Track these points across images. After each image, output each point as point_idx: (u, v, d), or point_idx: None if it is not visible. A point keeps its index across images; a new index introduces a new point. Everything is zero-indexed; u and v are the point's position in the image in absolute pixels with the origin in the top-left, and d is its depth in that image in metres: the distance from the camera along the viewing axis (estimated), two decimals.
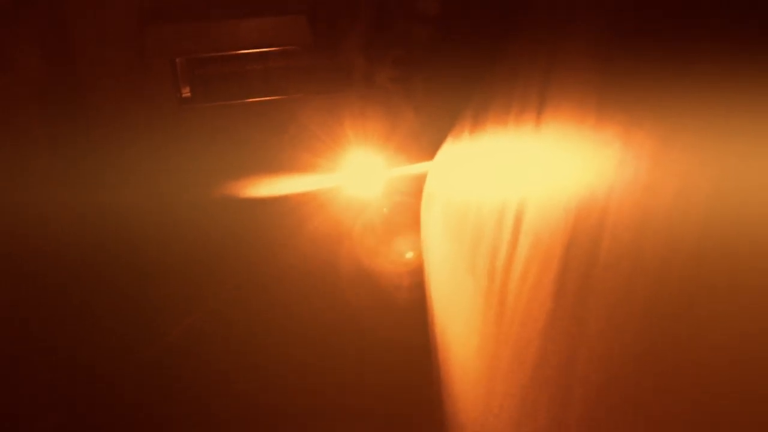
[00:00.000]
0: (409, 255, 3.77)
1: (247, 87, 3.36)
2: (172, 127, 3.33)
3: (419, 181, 3.37)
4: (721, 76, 0.82)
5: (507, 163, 1.93)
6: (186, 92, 3.27)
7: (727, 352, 0.73)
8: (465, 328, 2.25)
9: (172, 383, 3.82)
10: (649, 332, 0.93)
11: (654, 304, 0.92)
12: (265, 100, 3.37)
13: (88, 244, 3.52)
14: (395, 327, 3.74)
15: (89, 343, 3.41)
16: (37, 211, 3.04)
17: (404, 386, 3.69)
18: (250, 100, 3.36)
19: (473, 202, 2.27)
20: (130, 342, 3.68)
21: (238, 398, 3.90)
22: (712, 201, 0.80)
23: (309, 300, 3.92)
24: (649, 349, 0.92)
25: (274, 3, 3.10)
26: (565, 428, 1.22)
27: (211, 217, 3.60)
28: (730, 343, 0.73)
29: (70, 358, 3.30)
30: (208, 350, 3.88)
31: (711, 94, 0.84)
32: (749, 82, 0.76)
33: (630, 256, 1.02)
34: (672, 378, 0.84)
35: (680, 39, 0.96)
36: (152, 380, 3.76)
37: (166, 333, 3.84)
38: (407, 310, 3.65)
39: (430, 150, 3.19)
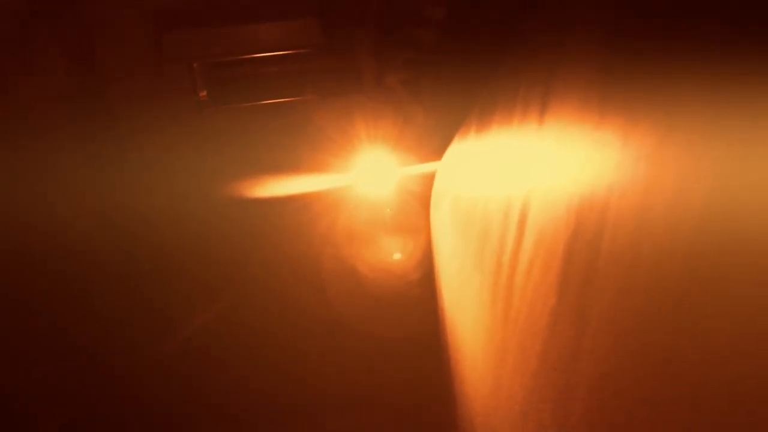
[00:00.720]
0: (418, 252, 3.80)
1: (262, 89, 3.41)
2: (191, 128, 3.40)
3: (428, 180, 3.40)
4: (719, 75, 0.85)
5: (512, 161, 1.96)
6: (203, 95, 3.34)
7: (725, 342, 0.75)
8: (473, 323, 2.28)
9: (185, 380, 3.85)
10: (649, 324, 0.95)
11: (653, 298, 0.94)
12: (279, 102, 3.43)
13: (107, 242, 3.58)
14: (406, 321, 3.77)
15: (102, 339, 3.45)
16: (57, 209, 3.10)
17: (414, 379, 3.72)
18: (265, 101, 3.42)
19: (480, 200, 2.30)
20: (144, 339, 3.72)
21: (251, 394, 3.94)
22: (709, 198, 0.82)
23: (321, 296, 3.95)
24: (649, 340, 0.94)
25: (287, 8, 3.15)
26: (570, 419, 1.25)
27: (226, 215, 3.64)
28: (728, 333, 0.75)
29: (82, 354, 3.35)
30: (222, 348, 3.92)
31: (709, 94, 0.87)
32: (747, 82, 0.78)
33: (630, 252, 1.04)
34: (673, 368, 0.86)
35: (679, 40, 0.99)
36: (166, 378, 3.80)
37: (180, 330, 3.88)
38: (417, 304, 3.68)
39: (438, 149, 3.23)
